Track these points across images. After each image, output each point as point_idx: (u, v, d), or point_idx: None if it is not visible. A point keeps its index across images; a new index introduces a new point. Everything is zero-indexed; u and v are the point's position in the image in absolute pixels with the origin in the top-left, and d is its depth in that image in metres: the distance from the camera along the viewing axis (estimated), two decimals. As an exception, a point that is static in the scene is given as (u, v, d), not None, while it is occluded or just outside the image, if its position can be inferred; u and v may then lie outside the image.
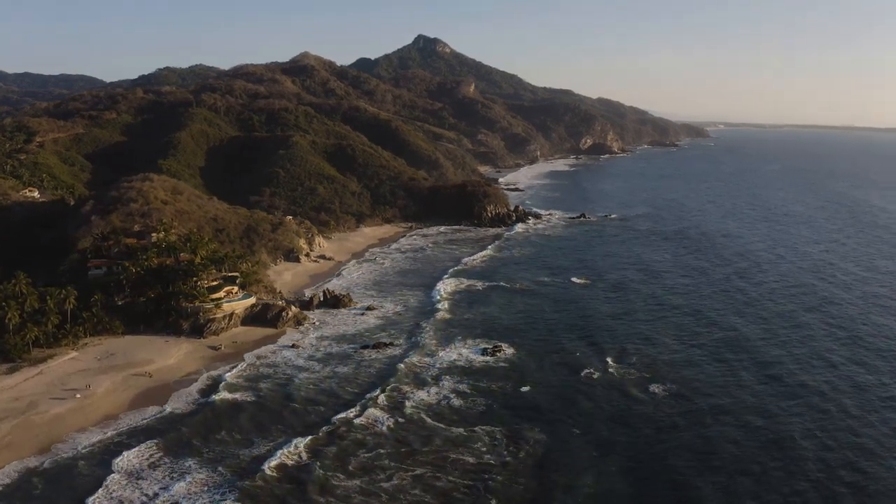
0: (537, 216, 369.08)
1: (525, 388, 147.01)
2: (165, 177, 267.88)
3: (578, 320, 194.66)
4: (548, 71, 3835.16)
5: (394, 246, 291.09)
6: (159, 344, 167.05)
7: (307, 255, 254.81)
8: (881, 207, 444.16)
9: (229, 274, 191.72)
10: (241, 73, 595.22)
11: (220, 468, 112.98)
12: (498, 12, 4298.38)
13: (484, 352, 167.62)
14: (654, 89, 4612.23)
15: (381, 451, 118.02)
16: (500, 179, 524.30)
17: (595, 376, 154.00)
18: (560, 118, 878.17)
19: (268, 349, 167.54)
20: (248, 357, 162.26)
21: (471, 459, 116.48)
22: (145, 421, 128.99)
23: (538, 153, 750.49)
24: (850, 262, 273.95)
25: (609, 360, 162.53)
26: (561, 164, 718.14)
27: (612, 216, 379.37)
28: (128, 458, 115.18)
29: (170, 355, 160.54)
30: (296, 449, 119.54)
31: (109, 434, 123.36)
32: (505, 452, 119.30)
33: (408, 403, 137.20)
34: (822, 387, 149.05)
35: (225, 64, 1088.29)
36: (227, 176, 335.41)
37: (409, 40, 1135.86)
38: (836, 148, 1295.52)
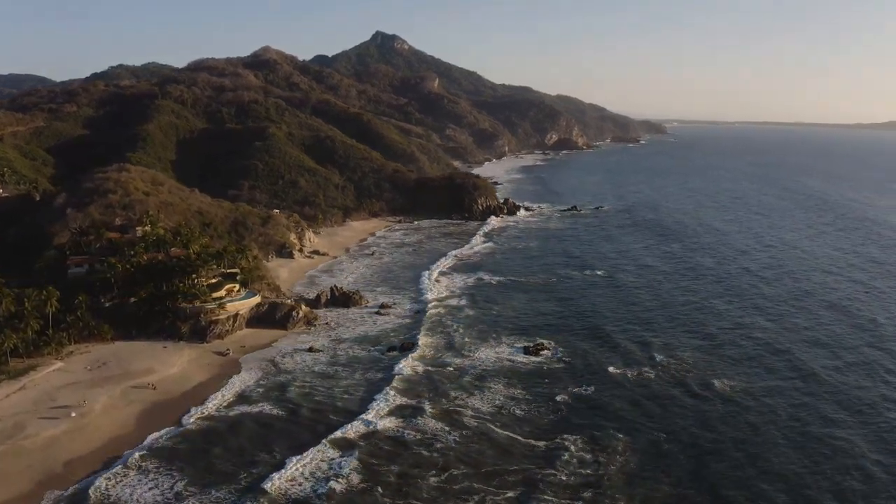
0: (528, 209, 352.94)
1: (583, 390, 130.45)
2: (142, 167, 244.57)
3: (606, 313, 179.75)
4: (505, 70, 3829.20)
5: (387, 240, 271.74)
6: (157, 350, 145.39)
7: (300, 250, 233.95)
8: (853, 199, 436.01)
9: (228, 270, 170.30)
10: (202, 67, 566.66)
11: (260, 499, 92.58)
12: (453, 8, 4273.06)
13: (526, 351, 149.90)
14: (606, 88, 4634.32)
15: (456, 471, 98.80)
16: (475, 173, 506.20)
17: (651, 375, 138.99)
18: (525, 114, 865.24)
19: (282, 353, 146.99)
20: (262, 363, 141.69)
21: (562, 476, 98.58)
22: (158, 442, 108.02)
23: (506, 148, 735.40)
24: (850, 253, 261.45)
25: (656, 355, 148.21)
26: (530, 160, 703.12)
27: (605, 208, 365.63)
28: (146, 490, 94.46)
29: (172, 363, 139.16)
30: (342, 469, 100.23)
31: (119, 460, 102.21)
32: (596, 465, 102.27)
33: (466, 413, 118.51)
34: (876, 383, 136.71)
35: (179, 62, 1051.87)
36: (201, 169, 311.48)
37: (366, 37, 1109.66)
38: (794, 144, 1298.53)
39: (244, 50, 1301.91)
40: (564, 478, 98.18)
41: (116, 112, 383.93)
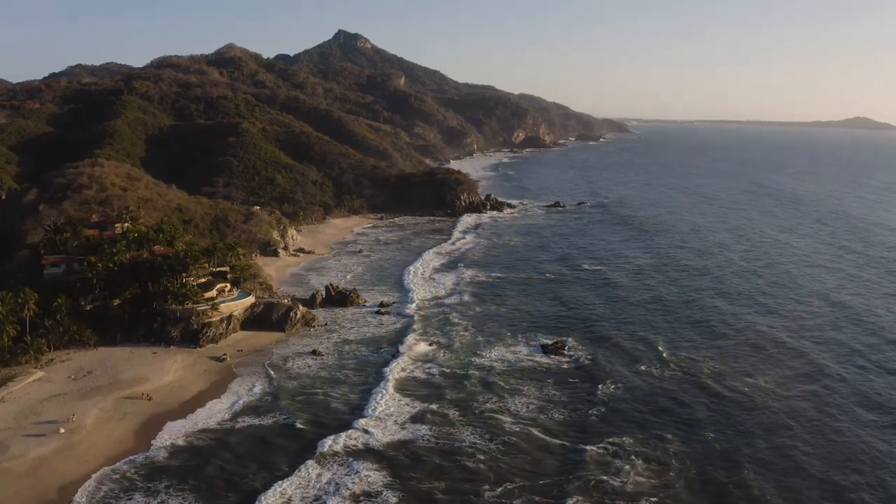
0: (511, 206, 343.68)
1: (613, 390, 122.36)
2: (116, 162, 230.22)
3: (612, 309, 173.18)
4: (467, 69, 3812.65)
5: (372, 237, 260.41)
6: (146, 356, 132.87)
7: (285, 248, 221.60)
8: (833, 194, 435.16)
9: (217, 269, 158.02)
10: (165, 64, 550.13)
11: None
12: (412, 7, 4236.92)
13: (545, 350, 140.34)
14: (566, 88, 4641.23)
15: (511, 484, 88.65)
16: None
17: (678, 374, 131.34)
18: (491, 112, 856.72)
19: (283, 357, 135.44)
20: (263, 368, 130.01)
21: (616, 482, 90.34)
22: (162, 460, 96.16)
23: (474, 146, 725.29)
24: (833, 245, 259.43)
25: (667, 353, 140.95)
26: (500, 157, 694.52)
27: (587, 203, 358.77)
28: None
29: (165, 370, 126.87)
30: (380, 487, 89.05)
31: (120, 481, 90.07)
32: (651, 472, 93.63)
33: (504, 419, 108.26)
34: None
35: (138, 62, 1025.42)
36: (172, 165, 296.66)
37: (327, 36, 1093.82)
38: (757, 141, 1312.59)
39: (203, 49, 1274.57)
40: (618, 483, 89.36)
41: (82, 109, 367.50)
